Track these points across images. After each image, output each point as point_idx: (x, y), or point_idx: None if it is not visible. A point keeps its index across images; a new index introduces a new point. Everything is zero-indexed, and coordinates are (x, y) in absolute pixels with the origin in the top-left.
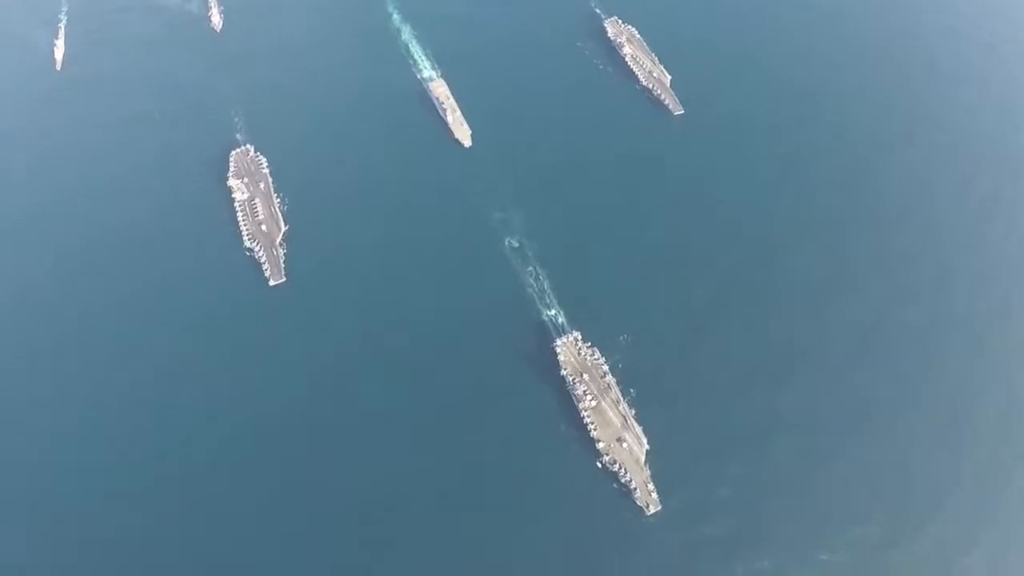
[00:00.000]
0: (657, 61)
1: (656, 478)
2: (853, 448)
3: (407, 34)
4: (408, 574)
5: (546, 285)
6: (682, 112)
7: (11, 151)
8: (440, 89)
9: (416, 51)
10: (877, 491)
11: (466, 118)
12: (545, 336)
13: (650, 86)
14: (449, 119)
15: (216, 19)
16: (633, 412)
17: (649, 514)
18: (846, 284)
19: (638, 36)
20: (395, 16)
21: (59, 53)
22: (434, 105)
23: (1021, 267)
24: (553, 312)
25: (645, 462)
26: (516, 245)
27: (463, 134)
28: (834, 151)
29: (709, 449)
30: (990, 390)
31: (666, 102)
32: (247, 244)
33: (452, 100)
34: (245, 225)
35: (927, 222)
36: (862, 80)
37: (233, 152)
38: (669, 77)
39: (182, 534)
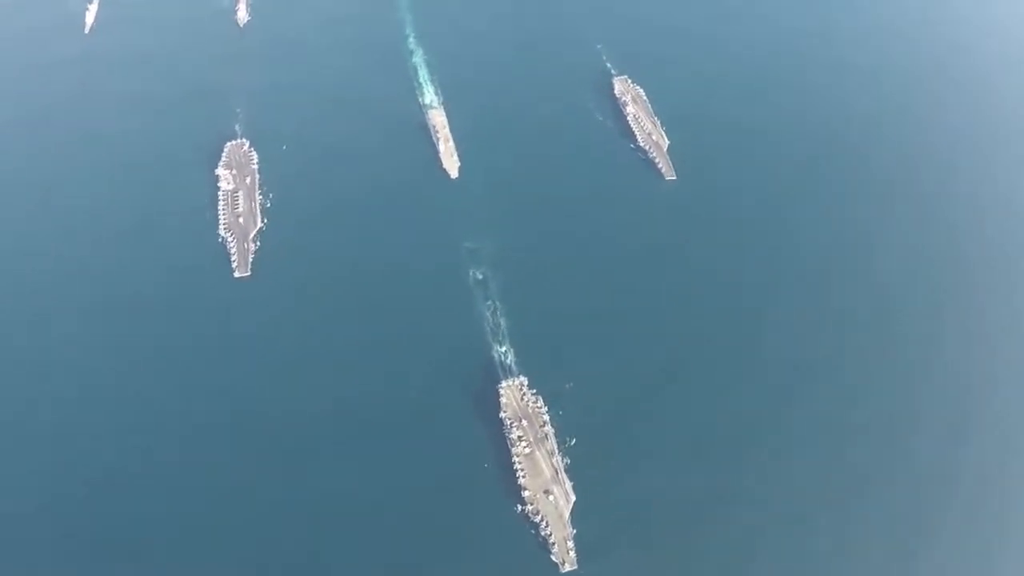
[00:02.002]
0: (658, 124)
1: (578, 537)
2: (799, 537)
3: (418, 58)
4: None
5: (502, 322)
6: (674, 178)
7: (17, 107)
8: (438, 118)
9: (423, 76)
10: None
11: (458, 150)
12: (492, 373)
13: (646, 147)
14: (441, 149)
15: (242, 14)
16: (567, 463)
17: (563, 572)
18: (820, 364)
19: (644, 97)
20: (411, 39)
21: (90, 17)
22: (430, 133)
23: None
24: (504, 349)
25: (569, 518)
26: (480, 277)
27: (451, 165)
28: (819, 236)
29: (640, 516)
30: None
31: (659, 165)
32: (221, 233)
33: (447, 130)
34: (224, 215)
35: (920, 308)
36: (860, 174)
37: (228, 143)
38: (668, 142)
39: (123, 526)
